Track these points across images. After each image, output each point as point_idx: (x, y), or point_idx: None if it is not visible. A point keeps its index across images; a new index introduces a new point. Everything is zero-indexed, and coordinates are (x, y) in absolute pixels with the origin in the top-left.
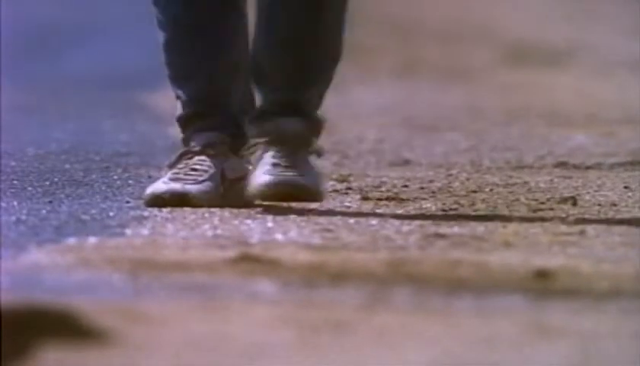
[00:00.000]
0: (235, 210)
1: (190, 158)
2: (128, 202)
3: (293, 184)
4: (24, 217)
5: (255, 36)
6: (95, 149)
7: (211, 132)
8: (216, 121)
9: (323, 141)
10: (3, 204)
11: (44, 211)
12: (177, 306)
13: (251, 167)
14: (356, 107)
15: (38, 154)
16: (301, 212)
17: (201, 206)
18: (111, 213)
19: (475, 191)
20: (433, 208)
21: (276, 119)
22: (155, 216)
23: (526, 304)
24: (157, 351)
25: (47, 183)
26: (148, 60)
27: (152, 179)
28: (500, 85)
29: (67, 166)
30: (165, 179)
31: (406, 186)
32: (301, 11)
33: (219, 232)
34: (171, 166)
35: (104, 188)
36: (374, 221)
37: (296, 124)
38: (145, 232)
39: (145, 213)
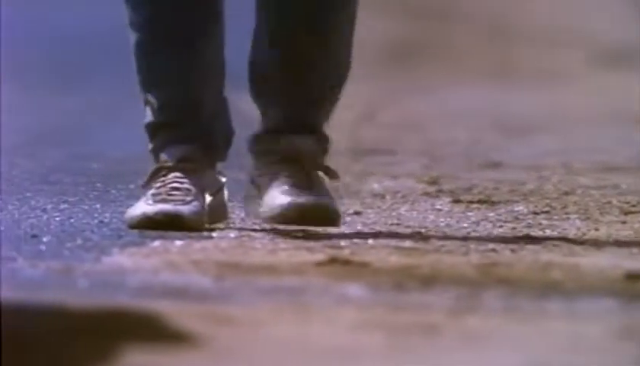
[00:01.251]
0: None
1: (165, 175)
2: None
3: (315, 207)
4: (106, 220)
5: (259, 50)
6: None
7: (184, 144)
8: (189, 132)
9: (413, 141)
10: (86, 207)
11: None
12: (265, 309)
13: (253, 185)
14: (447, 108)
15: (120, 156)
16: (391, 215)
17: (195, 228)
18: None
19: (566, 193)
20: (525, 210)
21: (290, 137)
22: (243, 219)
23: (617, 307)
24: (244, 354)
25: (131, 186)
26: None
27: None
28: (591, 87)
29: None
30: (149, 200)
31: (497, 188)
32: (314, 25)
33: (307, 234)
34: (146, 185)
35: None
36: (465, 224)
37: (310, 142)
38: (232, 234)
39: (233, 215)
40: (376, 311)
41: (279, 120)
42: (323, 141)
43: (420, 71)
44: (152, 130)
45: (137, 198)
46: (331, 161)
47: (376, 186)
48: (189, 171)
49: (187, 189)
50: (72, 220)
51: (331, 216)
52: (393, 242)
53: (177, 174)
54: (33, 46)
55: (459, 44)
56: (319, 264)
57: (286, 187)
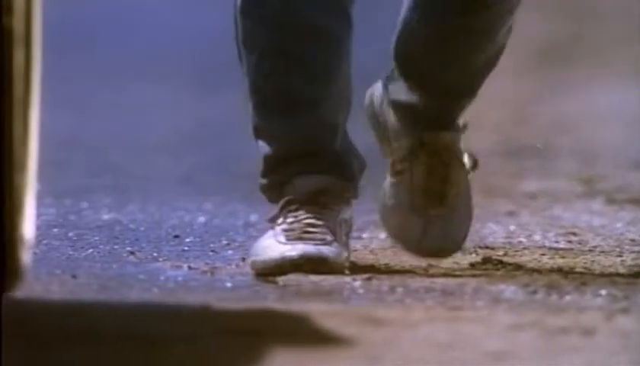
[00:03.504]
0: (477, 212)
1: (297, 209)
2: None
3: (436, 246)
4: (252, 221)
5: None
6: None
7: (318, 175)
8: (323, 162)
9: (565, 141)
10: (230, 208)
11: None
12: (419, 310)
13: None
14: (598, 107)
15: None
16: (544, 215)
17: (340, 272)
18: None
19: None
20: None
21: (427, 124)
22: None
23: None
24: (396, 356)
25: None
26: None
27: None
28: None
29: None
30: (280, 238)
31: None
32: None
33: None
34: (274, 221)
35: None
36: (619, 224)
37: (452, 137)
38: (382, 235)
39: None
40: (529, 312)
41: (421, 103)
42: (463, 127)
43: (571, 70)
44: (273, 162)
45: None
46: (481, 161)
47: (528, 186)
48: (325, 206)
49: (327, 226)
50: (215, 221)
51: (452, 253)
52: (547, 242)
53: (313, 207)
54: (181, 47)
55: (612, 43)
56: (472, 265)
57: (416, 200)
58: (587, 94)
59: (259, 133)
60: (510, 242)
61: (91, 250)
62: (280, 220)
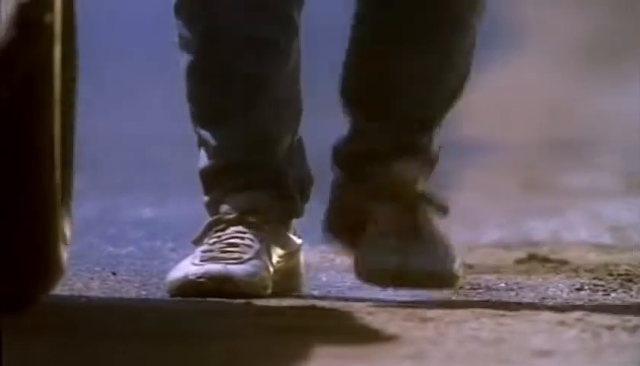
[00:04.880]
0: (521, 208)
1: (224, 229)
2: None
3: (422, 271)
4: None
5: (356, 63)
6: None
7: (251, 191)
8: (258, 178)
9: (609, 136)
10: None
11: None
12: (464, 307)
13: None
14: None
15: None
16: (588, 211)
17: (250, 293)
18: None
19: None
20: None
21: (390, 163)
22: None
23: None
24: (443, 353)
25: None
26: None
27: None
28: None
29: None
30: (195, 259)
31: None
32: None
33: (504, 232)
34: (198, 242)
35: None
36: None
37: (415, 168)
38: None
39: None
40: (574, 309)
41: (378, 141)
42: (431, 161)
43: (616, 65)
44: (209, 176)
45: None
46: (524, 154)
47: (572, 182)
48: (254, 225)
49: (248, 245)
50: None
51: (444, 279)
52: (591, 238)
53: (240, 228)
54: None
55: None
56: (518, 261)
57: (388, 241)
58: (632, 89)
59: (199, 142)
60: (554, 239)
61: (131, 247)
62: (205, 240)
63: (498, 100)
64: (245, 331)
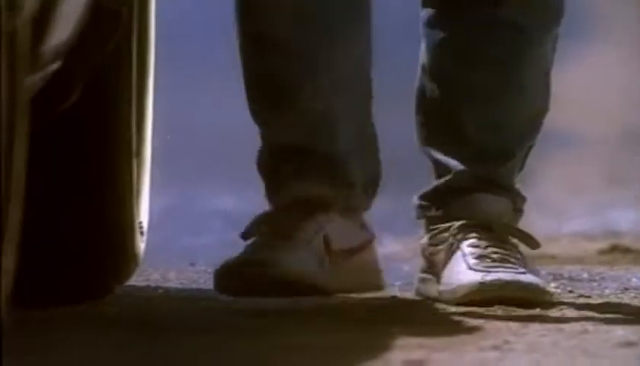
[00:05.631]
0: (604, 199)
1: (276, 219)
2: None
3: (516, 285)
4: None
5: (428, 89)
6: None
7: (306, 181)
8: (315, 163)
9: None
10: None
11: (400, 204)
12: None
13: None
14: None
15: (401, 147)
16: None
17: (297, 283)
18: None
19: None
20: None
21: (476, 197)
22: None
23: None
24: (526, 344)
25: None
26: None
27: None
28: None
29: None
30: (244, 250)
31: None
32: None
33: (587, 223)
34: (247, 235)
35: None
36: None
37: (503, 204)
38: None
39: None
40: None
41: (458, 175)
42: (518, 201)
43: None
44: (266, 163)
45: (410, 188)
46: (606, 147)
47: None
48: (308, 214)
49: (299, 236)
50: None
51: (536, 295)
52: None
53: (294, 216)
54: None
55: None
56: (601, 252)
57: (473, 261)
58: None
59: (256, 122)
60: (637, 229)
61: (209, 237)
62: (251, 233)
63: (578, 93)
64: (322, 323)
